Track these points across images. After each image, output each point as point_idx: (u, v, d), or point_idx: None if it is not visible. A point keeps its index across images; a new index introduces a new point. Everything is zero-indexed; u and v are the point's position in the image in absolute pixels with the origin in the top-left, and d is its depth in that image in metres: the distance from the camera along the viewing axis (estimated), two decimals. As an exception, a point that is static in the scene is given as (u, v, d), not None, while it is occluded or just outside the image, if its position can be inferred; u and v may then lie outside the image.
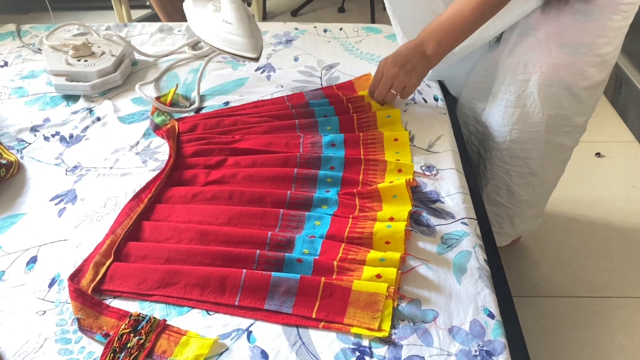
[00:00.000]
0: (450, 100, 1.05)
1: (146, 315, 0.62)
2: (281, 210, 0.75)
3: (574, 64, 0.91)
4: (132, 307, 0.65)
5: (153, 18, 2.34)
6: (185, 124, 0.94)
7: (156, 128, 0.93)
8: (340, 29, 1.24)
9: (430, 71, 1.03)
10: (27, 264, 0.71)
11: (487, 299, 0.65)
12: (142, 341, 0.60)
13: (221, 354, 0.60)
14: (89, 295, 0.65)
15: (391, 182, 0.78)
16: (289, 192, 0.78)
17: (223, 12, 0.89)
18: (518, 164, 1.04)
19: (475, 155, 1.15)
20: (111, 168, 0.86)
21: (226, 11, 0.89)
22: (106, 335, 0.61)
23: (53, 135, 0.94)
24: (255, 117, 0.93)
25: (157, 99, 1.01)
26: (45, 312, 0.65)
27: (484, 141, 1.08)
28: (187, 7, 1.01)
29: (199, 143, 0.89)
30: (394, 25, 1.05)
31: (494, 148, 1.05)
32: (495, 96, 1.00)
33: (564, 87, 0.94)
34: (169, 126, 0.93)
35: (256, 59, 0.91)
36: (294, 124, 0.91)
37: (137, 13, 2.53)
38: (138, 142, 0.92)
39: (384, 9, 1.00)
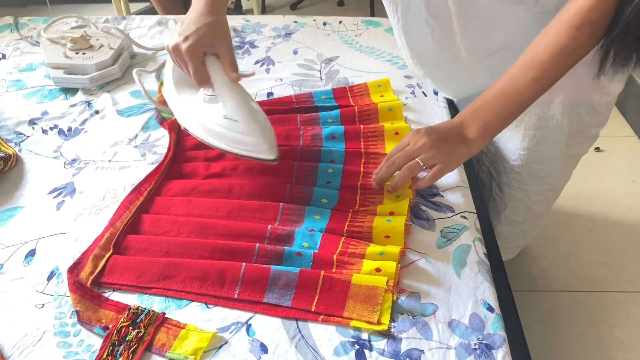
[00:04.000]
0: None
1: (145, 309, 0.62)
2: (281, 203, 0.75)
3: (599, 82, 0.85)
4: (131, 300, 0.65)
5: (151, 11, 2.33)
6: None
7: (162, 121, 0.93)
8: (340, 22, 1.23)
9: (439, 90, 0.98)
10: (26, 257, 0.71)
11: (487, 292, 0.65)
12: (141, 334, 0.60)
13: (220, 347, 0.60)
14: (88, 288, 0.65)
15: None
16: (289, 185, 0.78)
17: (225, 108, 0.74)
18: (538, 183, 1.00)
19: (485, 175, 1.09)
20: (110, 161, 0.86)
21: (229, 108, 0.74)
22: (105, 328, 0.61)
23: (51, 128, 0.94)
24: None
25: (160, 85, 1.01)
26: (44, 305, 0.65)
27: (497, 163, 1.03)
28: (169, 94, 0.85)
29: (199, 136, 0.88)
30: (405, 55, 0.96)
31: (512, 171, 0.99)
32: None
33: (588, 105, 0.89)
34: (173, 118, 0.93)
35: (276, 160, 0.76)
36: (295, 117, 0.91)
37: (135, 6, 2.53)
38: (137, 135, 0.91)
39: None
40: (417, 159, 0.73)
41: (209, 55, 0.73)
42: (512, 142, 0.95)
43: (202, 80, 0.74)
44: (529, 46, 0.72)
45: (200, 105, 0.78)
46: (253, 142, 0.74)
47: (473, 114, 0.75)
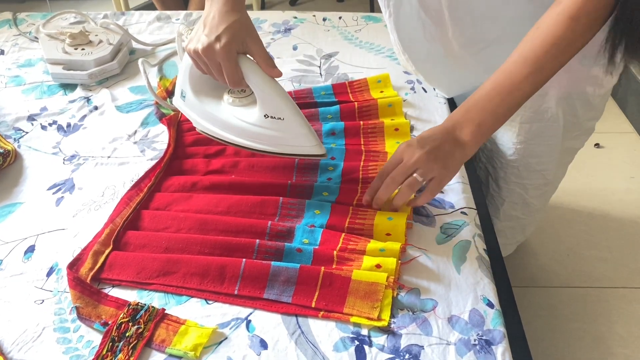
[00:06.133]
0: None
1: (145, 304, 0.62)
2: (280, 198, 0.75)
3: (593, 74, 0.85)
4: (131, 296, 0.65)
5: (150, 7, 2.33)
6: None
7: (162, 116, 0.93)
8: (340, 17, 1.23)
9: (431, 86, 0.97)
10: (25, 253, 0.71)
11: (487, 288, 0.65)
12: (140, 330, 0.60)
13: (220, 343, 0.60)
14: (88, 284, 0.65)
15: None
16: (289, 182, 0.78)
17: (267, 106, 0.70)
18: (535, 177, 0.99)
19: (482, 172, 1.08)
20: (109, 157, 0.86)
21: (273, 105, 0.70)
22: (105, 324, 0.61)
23: (50, 124, 0.93)
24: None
25: (159, 80, 1.01)
26: (43, 301, 0.65)
27: (493, 159, 1.02)
28: (188, 102, 0.78)
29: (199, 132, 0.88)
30: (394, 42, 0.95)
31: (508, 165, 0.98)
32: None
33: (582, 98, 0.88)
34: (172, 114, 0.93)
35: (325, 155, 0.74)
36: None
37: (134, 2, 2.52)
38: (136, 131, 0.91)
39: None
40: (415, 175, 0.70)
41: (240, 55, 0.69)
42: (507, 136, 0.95)
43: (238, 81, 0.70)
44: (522, 40, 0.70)
45: (230, 108, 0.74)
46: (303, 139, 0.71)
47: (466, 115, 0.71)
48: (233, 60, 0.68)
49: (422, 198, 0.72)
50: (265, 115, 0.70)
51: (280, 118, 0.70)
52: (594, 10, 0.65)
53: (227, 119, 0.74)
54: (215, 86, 0.76)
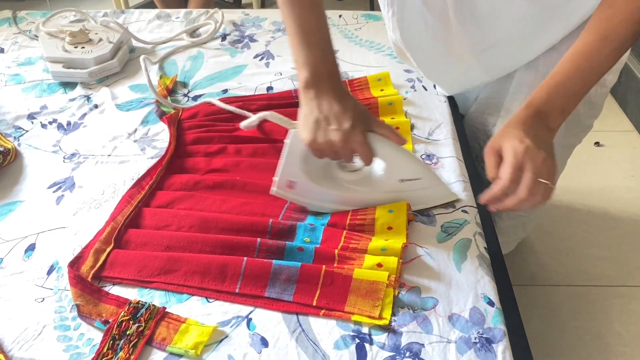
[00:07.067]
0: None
1: (145, 303, 0.62)
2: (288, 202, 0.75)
3: None
4: (131, 294, 0.65)
5: (150, 5, 2.32)
6: (188, 111, 0.93)
7: (162, 115, 0.93)
8: (340, 16, 1.23)
9: (437, 86, 0.98)
10: (26, 251, 0.71)
11: (487, 286, 0.65)
12: (141, 328, 0.60)
13: (221, 341, 0.60)
14: (89, 282, 0.65)
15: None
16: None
17: (404, 171, 0.72)
18: None
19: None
20: (109, 156, 0.86)
21: (410, 170, 0.72)
22: (105, 322, 0.61)
23: (50, 123, 0.93)
24: (255, 104, 0.92)
25: (160, 78, 1.01)
26: (44, 299, 0.65)
27: None
28: (303, 189, 0.74)
29: (199, 131, 0.88)
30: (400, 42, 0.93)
31: None
32: (509, 110, 0.92)
33: (585, 98, 0.85)
34: (172, 112, 0.92)
35: (459, 199, 0.76)
36: (295, 112, 0.90)
37: (134, 0, 2.52)
38: (136, 130, 0.91)
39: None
40: (542, 180, 0.65)
41: (367, 133, 0.71)
42: None
43: (371, 159, 0.71)
44: (590, 21, 0.69)
45: (355, 185, 0.75)
46: (440, 191, 0.75)
47: (549, 101, 0.70)
48: (368, 142, 0.70)
49: (545, 194, 0.66)
50: (401, 180, 0.73)
51: (418, 178, 0.73)
52: None
53: (354, 195, 0.74)
54: (324, 165, 0.76)
